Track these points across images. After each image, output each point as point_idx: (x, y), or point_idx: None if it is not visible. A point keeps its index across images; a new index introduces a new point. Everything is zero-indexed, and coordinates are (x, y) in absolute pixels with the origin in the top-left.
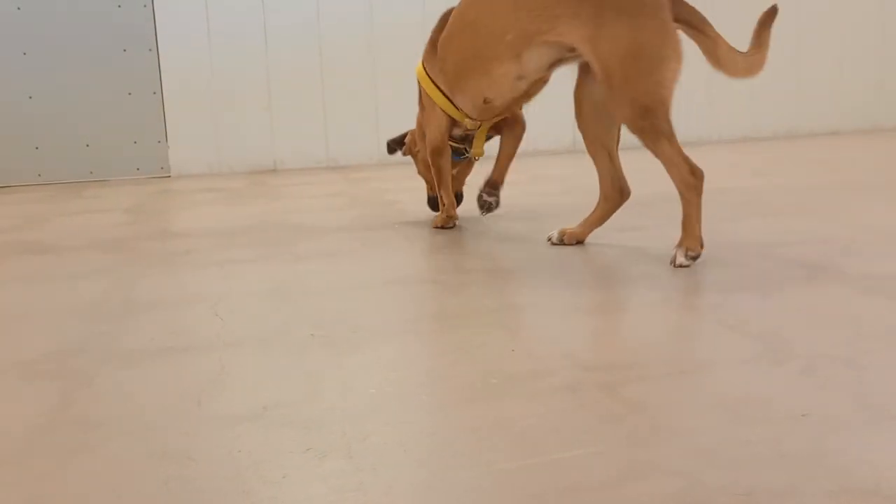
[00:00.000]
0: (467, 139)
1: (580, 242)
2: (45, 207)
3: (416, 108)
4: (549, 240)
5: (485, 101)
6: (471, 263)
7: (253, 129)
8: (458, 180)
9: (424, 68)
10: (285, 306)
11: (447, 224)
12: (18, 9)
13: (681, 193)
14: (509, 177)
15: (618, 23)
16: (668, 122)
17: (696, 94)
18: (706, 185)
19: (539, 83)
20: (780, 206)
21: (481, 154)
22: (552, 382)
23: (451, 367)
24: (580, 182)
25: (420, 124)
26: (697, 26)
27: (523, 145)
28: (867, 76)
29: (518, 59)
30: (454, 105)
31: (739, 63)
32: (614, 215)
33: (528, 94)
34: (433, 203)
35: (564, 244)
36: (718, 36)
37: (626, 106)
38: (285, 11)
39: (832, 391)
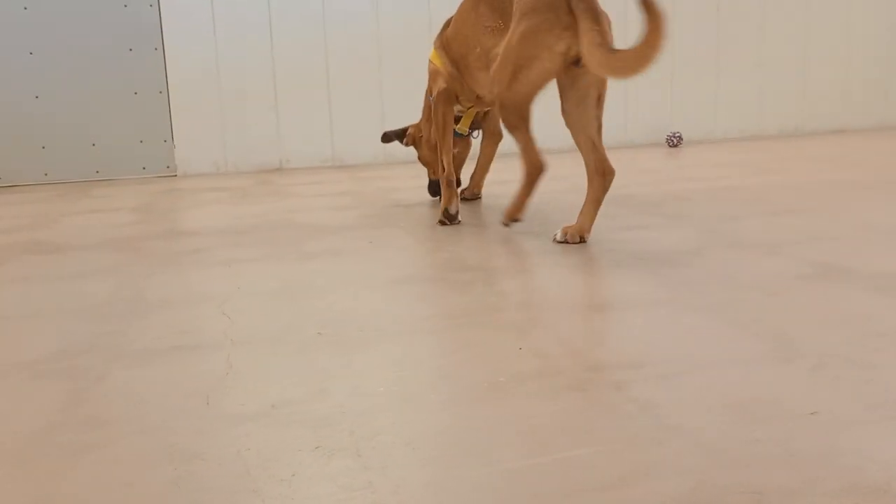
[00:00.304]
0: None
1: (583, 240)
2: (51, 207)
3: (422, 104)
4: (554, 239)
5: (477, 97)
6: (477, 262)
7: (259, 128)
8: (456, 163)
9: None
10: (292, 305)
11: (450, 209)
12: (25, 8)
13: (522, 176)
14: (517, 174)
15: (513, 27)
16: (519, 115)
17: (702, 93)
18: (711, 184)
19: None
20: (788, 204)
21: (465, 131)
22: (560, 381)
23: (458, 366)
24: (585, 181)
25: (427, 110)
26: (580, 19)
27: None
28: (874, 74)
29: (488, 68)
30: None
31: (609, 61)
32: (624, 216)
33: None
34: (434, 188)
35: (568, 242)
36: (591, 30)
37: (495, 94)
38: (291, 11)
39: (841, 390)
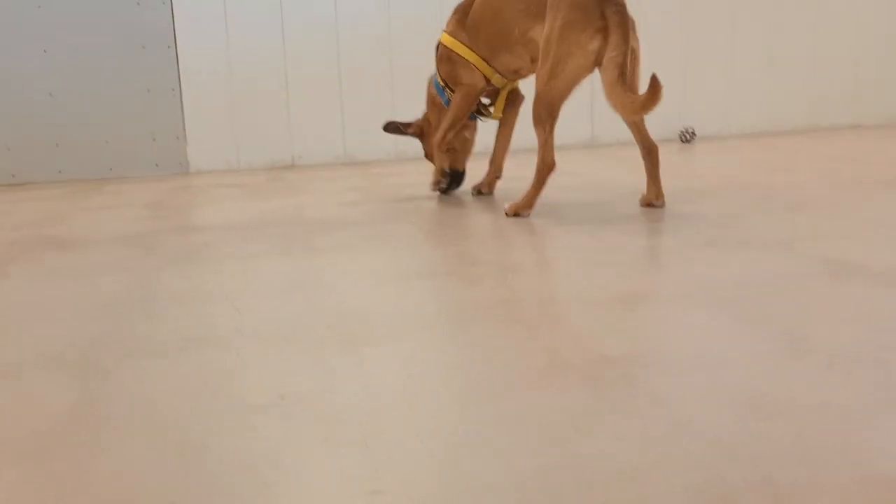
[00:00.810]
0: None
1: (653, 205)
2: (65, 203)
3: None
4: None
5: (515, 72)
6: (489, 257)
7: (271, 126)
8: (464, 154)
9: (452, 38)
10: (303, 300)
11: (439, 185)
12: (39, 7)
13: (536, 172)
14: (527, 171)
15: (549, 21)
16: (549, 112)
17: (714, 89)
18: (724, 180)
19: None
20: (800, 201)
21: (499, 117)
22: (571, 377)
23: (468, 361)
24: (598, 177)
25: (427, 105)
26: (611, 32)
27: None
28: (887, 71)
29: (526, 46)
30: (489, 65)
31: (619, 97)
32: (636, 212)
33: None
34: (453, 180)
35: (655, 207)
36: (619, 55)
37: (535, 89)
38: (303, 8)
39: (855, 385)
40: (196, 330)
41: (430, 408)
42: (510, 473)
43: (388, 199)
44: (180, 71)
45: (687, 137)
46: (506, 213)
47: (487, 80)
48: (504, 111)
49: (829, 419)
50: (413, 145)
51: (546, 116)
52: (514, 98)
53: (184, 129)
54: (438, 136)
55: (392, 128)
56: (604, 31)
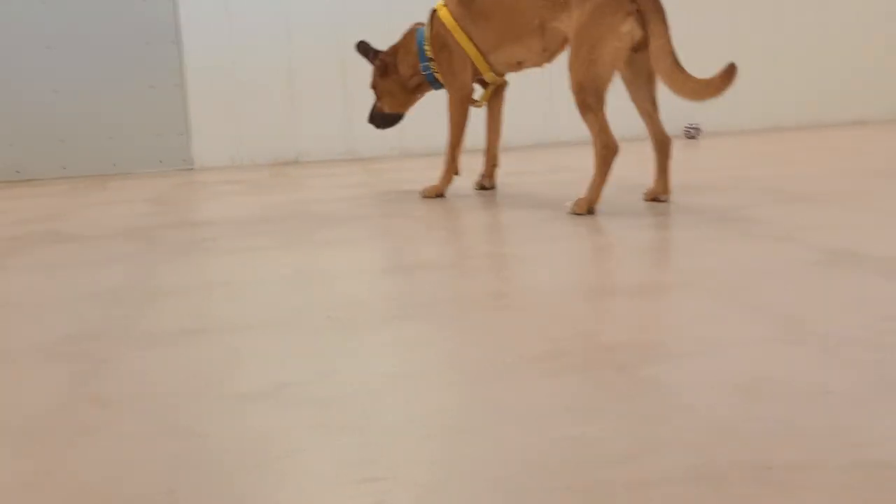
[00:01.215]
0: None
1: (659, 200)
2: (68, 199)
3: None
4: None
5: (518, 64)
6: (489, 249)
7: (275, 122)
8: (404, 105)
9: (453, 20)
10: (303, 291)
11: (440, 192)
12: (43, 2)
13: (595, 159)
14: (530, 166)
15: (577, 8)
16: (597, 98)
17: None
18: (727, 174)
19: (561, 48)
20: (803, 193)
21: (481, 106)
22: (567, 362)
23: (464, 348)
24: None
25: (400, 49)
26: (649, 19)
27: (544, 136)
28: (892, 65)
29: (542, 36)
30: (485, 60)
31: (685, 83)
32: (640, 205)
33: (550, 58)
34: (378, 120)
35: (660, 201)
36: (667, 43)
37: (572, 80)
38: (307, 4)
39: (852, 370)
40: (195, 320)
41: (426, 394)
42: (507, 458)
43: (391, 195)
44: (184, 67)
45: (692, 133)
46: (574, 212)
47: (477, 75)
48: (490, 100)
49: (825, 403)
50: (417, 143)
51: (595, 103)
52: (499, 86)
53: (187, 126)
54: (448, 157)
55: (363, 48)
56: (636, 15)
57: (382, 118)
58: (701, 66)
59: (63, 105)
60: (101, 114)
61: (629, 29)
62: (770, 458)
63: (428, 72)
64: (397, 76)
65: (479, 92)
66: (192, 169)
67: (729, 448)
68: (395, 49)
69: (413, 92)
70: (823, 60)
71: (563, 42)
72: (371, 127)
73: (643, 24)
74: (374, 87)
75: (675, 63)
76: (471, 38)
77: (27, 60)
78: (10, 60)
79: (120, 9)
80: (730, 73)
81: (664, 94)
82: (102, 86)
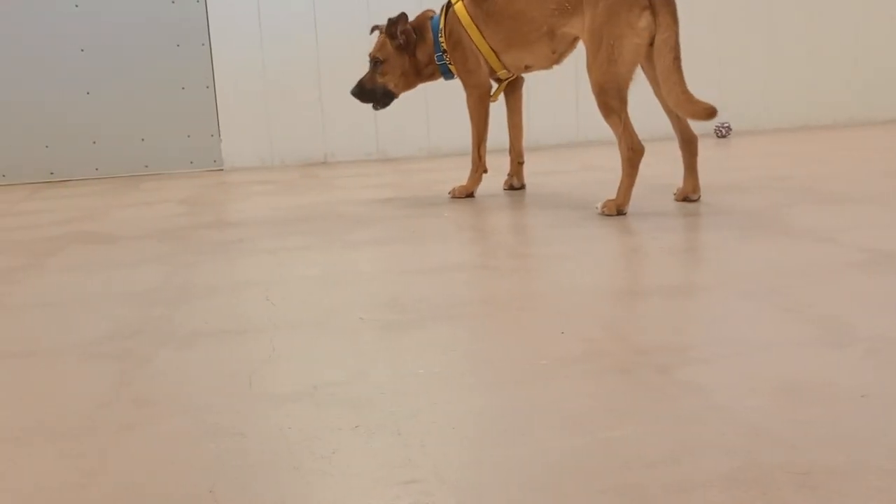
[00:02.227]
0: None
1: (689, 199)
2: (102, 200)
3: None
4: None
5: (525, 67)
6: (521, 249)
7: (304, 122)
8: (401, 87)
9: (468, 17)
10: (336, 291)
11: (470, 192)
12: (76, 6)
13: (622, 162)
14: (559, 165)
15: (589, 10)
16: (619, 99)
17: (752, 83)
18: (760, 173)
19: (571, 50)
20: (838, 193)
21: (495, 100)
22: (604, 364)
23: (499, 350)
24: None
25: (422, 32)
26: (659, 11)
27: (574, 136)
28: None
29: (552, 41)
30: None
31: (673, 87)
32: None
33: (560, 59)
34: (367, 95)
35: (691, 201)
36: (671, 37)
37: (592, 82)
38: (336, 6)
39: (892, 374)
40: (231, 321)
41: (461, 394)
42: (546, 460)
43: (420, 195)
44: (214, 69)
45: (722, 132)
46: (603, 213)
47: (492, 72)
48: (508, 97)
49: (867, 407)
50: (446, 142)
51: (617, 104)
52: (516, 81)
53: (218, 127)
54: (474, 155)
55: (398, 20)
56: (650, 9)
57: (383, 94)
58: (735, 64)
59: (96, 107)
60: (134, 115)
61: (646, 24)
62: (810, 463)
63: (442, 62)
64: (414, 58)
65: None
66: (222, 170)
67: (768, 452)
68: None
69: (425, 78)
70: (858, 58)
71: (573, 43)
72: (399, 127)
73: (655, 16)
74: (385, 59)
75: (675, 63)
76: (484, 37)
77: (61, 63)
78: (44, 63)
79: (151, 12)
80: (710, 112)
81: (693, 92)
82: (134, 88)
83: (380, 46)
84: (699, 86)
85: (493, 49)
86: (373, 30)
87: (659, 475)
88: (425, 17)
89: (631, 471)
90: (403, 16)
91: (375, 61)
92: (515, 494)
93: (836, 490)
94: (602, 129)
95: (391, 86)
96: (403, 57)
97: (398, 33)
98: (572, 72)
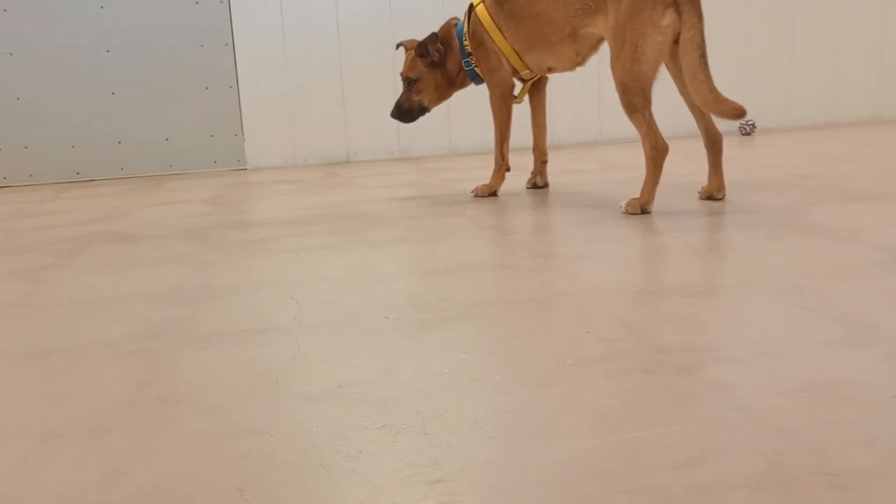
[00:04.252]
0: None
1: (714, 198)
2: (127, 199)
3: (485, 94)
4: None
5: (548, 69)
6: (544, 248)
7: (326, 122)
8: (435, 101)
9: (489, 18)
10: (360, 290)
11: (493, 191)
12: (102, 7)
13: (646, 160)
14: (583, 164)
15: (612, 8)
16: (642, 97)
17: (776, 80)
18: (785, 171)
19: (594, 52)
20: (865, 191)
21: (521, 102)
22: (628, 364)
23: (523, 349)
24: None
25: (448, 42)
26: (683, 8)
27: (596, 134)
28: None
29: (574, 42)
30: (520, 59)
31: (701, 86)
32: (696, 203)
33: (583, 62)
34: (405, 114)
35: (716, 200)
36: (697, 35)
37: (615, 81)
38: (358, 5)
39: None
40: (255, 320)
41: (486, 394)
42: (571, 461)
43: (442, 194)
44: (238, 68)
45: (747, 130)
46: (627, 212)
47: (514, 72)
48: (532, 96)
49: (895, 407)
50: (467, 141)
51: (641, 103)
52: (540, 81)
53: (241, 126)
54: (497, 154)
55: (431, 40)
56: (674, 6)
57: (419, 111)
58: (759, 60)
59: (121, 107)
60: (158, 116)
61: (670, 21)
62: (839, 464)
63: (469, 67)
64: (445, 70)
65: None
66: (245, 169)
67: (796, 453)
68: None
69: (456, 87)
70: (883, 54)
71: (597, 44)
72: (421, 126)
73: (679, 14)
74: (419, 78)
75: (702, 61)
76: (505, 37)
77: (87, 64)
78: (71, 64)
79: (175, 13)
80: (739, 111)
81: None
82: (159, 88)
83: (411, 65)
84: (723, 83)
85: (515, 50)
86: (398, 46)
87: (684, 476)
88: (450, 27)
89: (655, 472)
90: (434, 35)
91: (409, 81)
92: (541, 494)
93: (867, 492)
94: (625, 127)
95: (426, 102)
96: (435, 72)
97: (431, 52)
98: (594, 70)
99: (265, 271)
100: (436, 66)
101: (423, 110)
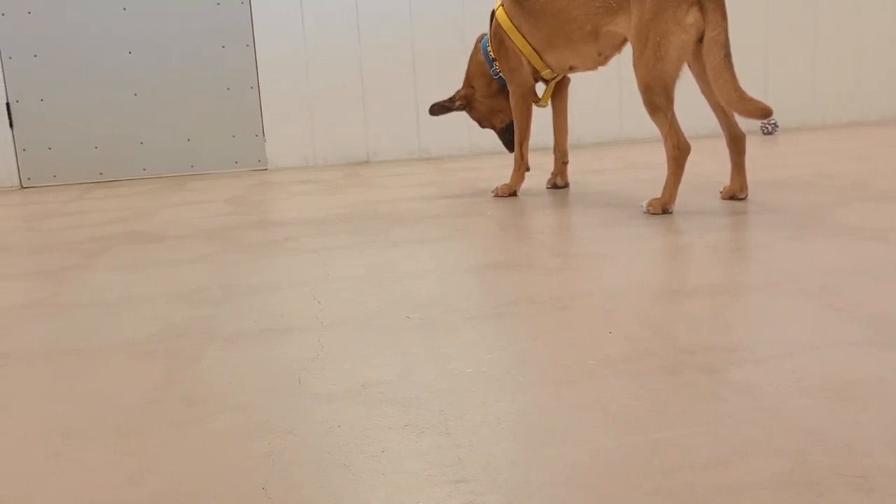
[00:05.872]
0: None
1: (737, 198)
2: (149, 200)
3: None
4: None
5: (570, 68)
6: (565, 248)
7: (347, 122)
8: (502, 118)
9: (509, 19)
10: (381, 290)
11: (513, 191)
12: (124, 9)
13: (668, 160)
14: (603, 164)
15: (636, 7)
16: (665, 97)
17: (799, 79)
18: (809, 170)
19: (617, 51)
20: (889, 190)
21: (545, 105)
22: (652, 364)
23: (546, 349)
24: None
25: (472, 73)
26: (707, 7)
27: (617, 134)
28: None
29: (596, 41)
30: (541, 59)
31: (726, 85)
32: (719, 203)
33: (605, 61)
34: (506, 137)
35: (738, 200)
36: (721, 34)
37: (638, 80)
38: (378, 6)
39: None
40: (277, 319)
41: (509, 394)
42: (594, 461)
43: (463, 193)
44: (258, 69)
45: (769, 129)
46: (648, 212)
47: (535, 72)
48: (554, 97)
49: None
50: (488, 140)
51: (663, 102)
52: (562, 81)
53: (262, 127)
54: (517, 154)
55: (438, 109)
56: (698, 5)
57: (503, 132)
58: (782, 60)
59: (143, 108)
60: (180, 116)
61: (694, 20)
62: (866, 465)
63: (498, 75)
64: (483, 98)
65: (540, 89)
66: (266, 169)
67: (821, 454)
68: (467, 78)
69: (504, 98)
70: None
71: (620, 44)
72: (441, 126)
73: (704, 13)
74: (477, 117)
75: (726, 60)
76: (525, 37)
77: (109, 65)
78: (93, 65)
79: (197, 14)
80: (765, 111)
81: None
82: (180, 89)
83: (470, 110)
84: (745, 82)
85: (535, 49)
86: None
87: (708, 477)
88: (477, 51)
89: (679, 472)
90: (434, 107)
91: (480, 123)
92: (564, 494)
93: (894, 493)
94: (646, 126)
95: (498, 124)
96: (477, 105)
97: (455, 107)
98: (615, 69)
99: (287, 271)
100: (469, 103)
101: (507, 129)
